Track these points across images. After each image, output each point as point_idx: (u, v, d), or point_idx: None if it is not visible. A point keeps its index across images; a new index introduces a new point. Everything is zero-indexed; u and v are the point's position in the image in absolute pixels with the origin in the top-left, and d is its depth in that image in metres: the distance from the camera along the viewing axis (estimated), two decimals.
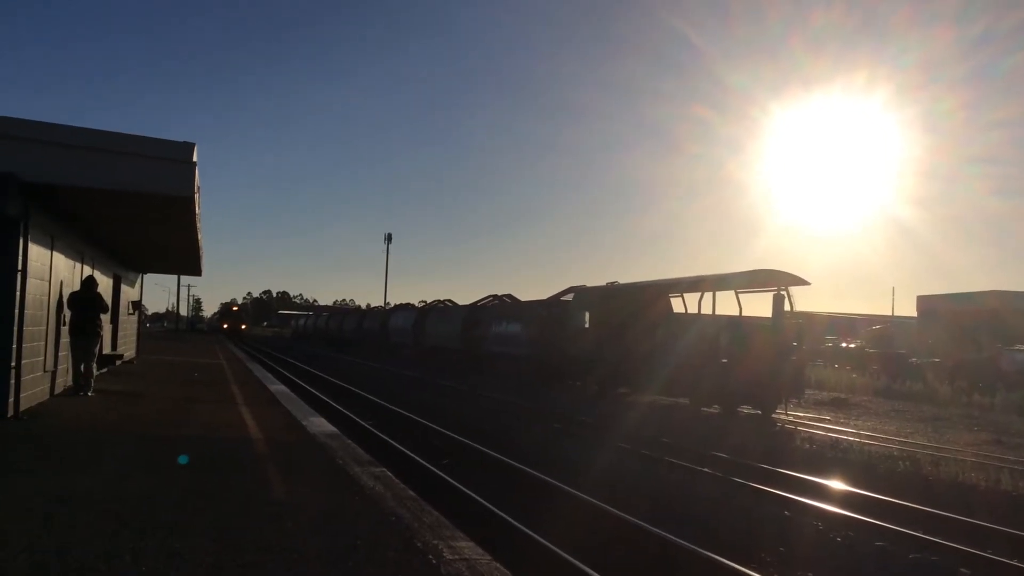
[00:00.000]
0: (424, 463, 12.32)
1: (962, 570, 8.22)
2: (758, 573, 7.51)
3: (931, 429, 20.51)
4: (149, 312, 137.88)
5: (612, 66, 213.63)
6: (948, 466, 13.94)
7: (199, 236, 17.95)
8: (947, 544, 8.86)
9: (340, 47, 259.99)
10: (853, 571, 8.10)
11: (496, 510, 9.16)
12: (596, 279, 36.42)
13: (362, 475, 8.68)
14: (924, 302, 61.38)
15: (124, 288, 24.90)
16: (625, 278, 31.78)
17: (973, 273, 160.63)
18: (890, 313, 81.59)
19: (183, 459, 8.14)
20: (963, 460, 14.66)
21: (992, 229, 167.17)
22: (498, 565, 5.60)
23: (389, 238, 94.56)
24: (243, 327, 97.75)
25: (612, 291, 29.07)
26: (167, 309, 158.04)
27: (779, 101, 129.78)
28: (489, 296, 42.08)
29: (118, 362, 22.77)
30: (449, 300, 50.79)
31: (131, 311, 27.88)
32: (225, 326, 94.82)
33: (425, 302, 56.71)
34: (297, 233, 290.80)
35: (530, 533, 8.19)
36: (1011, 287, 55.20)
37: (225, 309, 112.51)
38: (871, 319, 70.54)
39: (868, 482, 12.49)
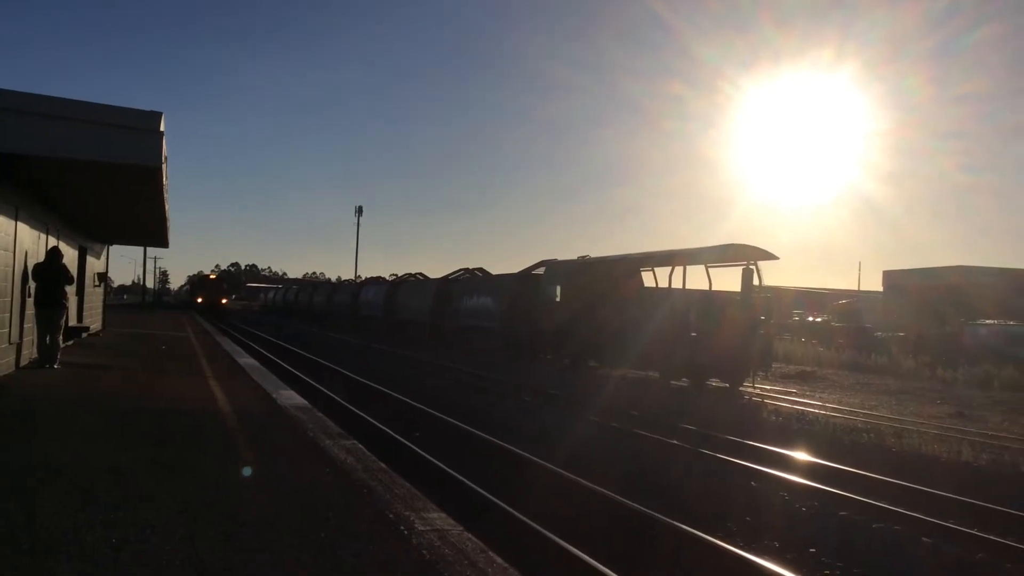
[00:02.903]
0: (395, 436, 12.35)
1: (924, 540, 8.41)
2: (725, 542, 7.63)
3: (895, 402, 20.87)
4: (115, 284, 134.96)
5: (586, 41, 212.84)
6: (911, 438, 14.21)
7: (166, 207, 17.73)
8: (909, 514, 9.05)
9: (313, 16, 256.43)
10: (817, 540, 8.25)
11: (467, 482, 9.22)
12: (568, 253, 36.48)
13: (333, 447, 8.68)
14: (890, 277, 62.17)
15: (90, 260, 24.57)
16: (597, 252, 31.89)
17: (939, 248, 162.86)
18: (857, 287, 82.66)
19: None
20: (925, 432, 14.96)
21: (958, 204, 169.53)
22: (470, 536, 5.64)
23: (360, 211, 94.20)
24: (223, 302, 75.56)
25: (584, 265, 29.15)
26: (133, 281, 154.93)
27: (750, 77, 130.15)
28: (460, 269, 42.03)
29: (84, 334, 22.49)
30: (420, 273, 50.67)
31: (97, 283, 27.53)
32: (200, 300, 74.49)
33: (396, 275, 56.45)
34: (266, 205, 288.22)
35: (501, 504, 8.26)
36: (976, 262, 56.11)
37: (200, 279, 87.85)
38: (838, 293, 71.34)
39: (833, 453, 12.72)
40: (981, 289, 45.28)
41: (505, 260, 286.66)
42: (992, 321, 37.46)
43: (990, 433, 15.42)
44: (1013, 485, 10.99)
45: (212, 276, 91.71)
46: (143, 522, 5.42)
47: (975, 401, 21.36)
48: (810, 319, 50.43)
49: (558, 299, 28.62)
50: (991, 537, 8.30)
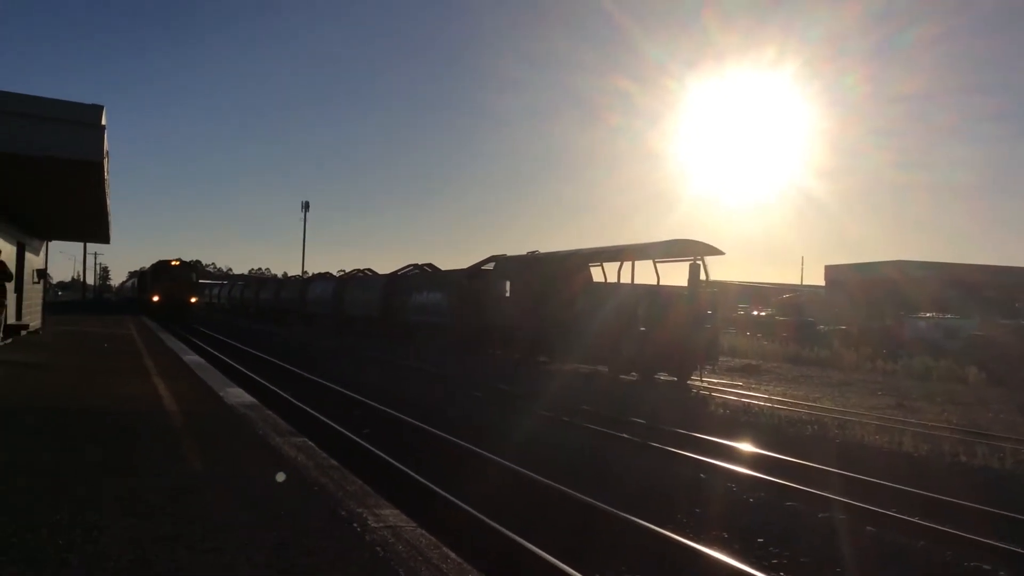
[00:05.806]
0: (346, 432, 12.27)
1: (868, 528, 8.63)
2: (674, 533, 7.75)
3: (837, 393, 21.34)
4: (54, 281, 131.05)
5: (535, 36, 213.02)
6: (853, 429, 14.54)
7: (107, 202, 17.34)
8: (853, 504, 9.28)
9: (257, 8, 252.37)
10: (764, 530, 8.42)
11: (419, 478, 9.21)
12: (517, 248, 36.63)
13: (283, 445, 8.59)
14: (831, 271, 63.61)
15: (28, 256, 23.91)
16: (546, 247, 32.03)
17: (877, 242, 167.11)
18: (799, 282, 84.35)
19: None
20: (867, 423, 15.31)
21: (894, 200, 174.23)
22: (423, 532, 5.64)
23: (306, 206, 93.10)
24: (192, 301, 57.19)
25: (533, 260, 29.24)
26: (72, 277, 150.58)
27: (695, 74, 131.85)
28: (409, 265, 41.80)
29: (23, 332, 21.93)
30: (369, 269, 50.25)
31: (36, 280, 26.81)
32: (156, 299, 53.87)
33: (344, 271, 55.79)
34: (210, 200, 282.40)
35: (453, 499, 8.27)
36: (911, 256, 57.70)
37: (156, 268, 57.81)
38: (781, 288, 72.72)
39: (778, 445, 12.97)
40: (916, 283, 46.59)
41: (454, 256, 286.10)
42: (930, 314, 38.57)
43: (929, 424, 15.86)
44: (952, 474, 11.33)
45: (175, 263, 58.28)
46: (89, 524, 5.31)
47: (914, 393, 21.93)
48: (755, 313, 51.35)
49: (508, 294, 28.66)
50: (932, 525, 8.55)
